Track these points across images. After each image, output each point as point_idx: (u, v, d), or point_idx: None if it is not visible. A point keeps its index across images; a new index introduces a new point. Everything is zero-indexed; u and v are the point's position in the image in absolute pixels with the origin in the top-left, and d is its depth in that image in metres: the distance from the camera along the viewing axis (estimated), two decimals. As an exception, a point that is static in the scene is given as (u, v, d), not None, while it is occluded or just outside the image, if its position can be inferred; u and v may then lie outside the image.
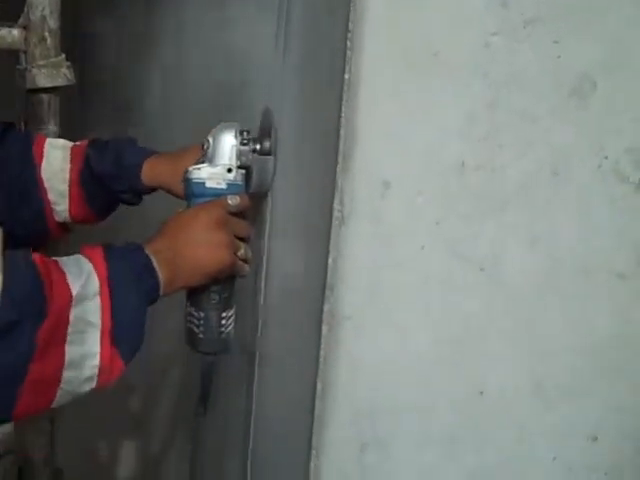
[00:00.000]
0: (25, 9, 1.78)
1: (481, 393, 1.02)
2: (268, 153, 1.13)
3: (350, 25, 0.92)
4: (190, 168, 1.09)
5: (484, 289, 0.99)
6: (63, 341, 0.90)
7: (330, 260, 0.97)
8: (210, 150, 1.10)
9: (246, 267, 1.10)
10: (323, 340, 0.98)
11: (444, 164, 0.96)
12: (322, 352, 0.99)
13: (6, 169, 1.19)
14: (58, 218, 1.24)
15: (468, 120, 0.96)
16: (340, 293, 0.97)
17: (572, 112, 0.97)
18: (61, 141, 1.26)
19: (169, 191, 1.19)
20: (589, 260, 1.01)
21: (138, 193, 1.23)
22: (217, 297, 1.09)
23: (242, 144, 1.10)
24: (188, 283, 1.04)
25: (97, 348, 0.92)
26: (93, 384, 0.93)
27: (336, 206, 0.95)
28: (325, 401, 0.99)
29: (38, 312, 0.88)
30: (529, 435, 1.04)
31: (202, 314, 1.10)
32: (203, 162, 1.10)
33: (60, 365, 0.90)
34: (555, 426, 1.04)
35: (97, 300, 0.93)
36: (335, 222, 0.95)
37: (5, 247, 0.89)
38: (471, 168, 0.96)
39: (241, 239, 1.07)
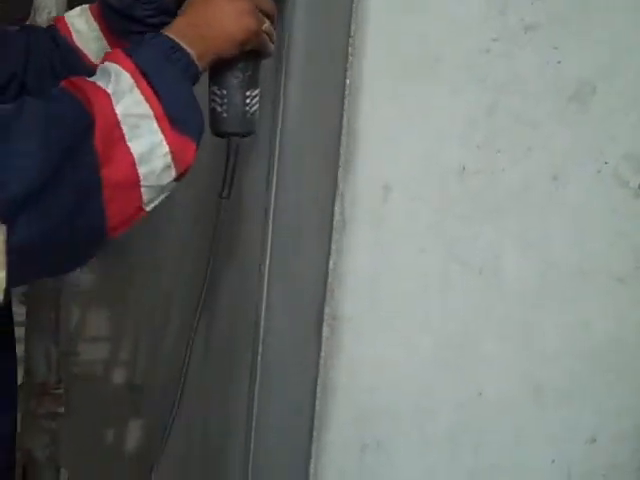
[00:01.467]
0: (32, 12, 1.80)
1: (480, 395, 1.02)
2: None
3: (352, 31, 0.93)
4: None
5: (483, 292, 1.00)
6: (122, 140, 0.90)
7: (331, 263, 0.97)
8: None
9: (270, 44, 1.08)
10: (324, 342, 0.99)
11: (444, 168, 0.97)
12: (323, 354, 0.99)
13: (51, 64, 1.19)
14: None
15: (468, 125, 0.96)
16: (341, 296, 0.98)
17: (572, 117, 0.98)
18: (77, 9, 1.26)
19: None
20: (587, 263, 1.01)
21: (166, 12, 1.18)
22: (241, 75, 1.08)
23: None
24: (219, 52, 1.03)
25: (160, 135, 0.93)
26: (172, 172, 0.94)
27: (337, 210, 0.96)
28: (326, 403, 0.99)
29: (86, 123, 0.88)
30: (528, 438, 1.05)
31: (225, 92, 1.08)
32: None
33: (130, 162, 0.91)
34: (554, 429, 1.05)
35: (136, 91, 0.93)
36: (336, 226, 0.95)
37: None
38: (471, 172, 0.97)
39: (265, 15, 1.06)
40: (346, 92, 0.94)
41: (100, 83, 0.92)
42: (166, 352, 2.23)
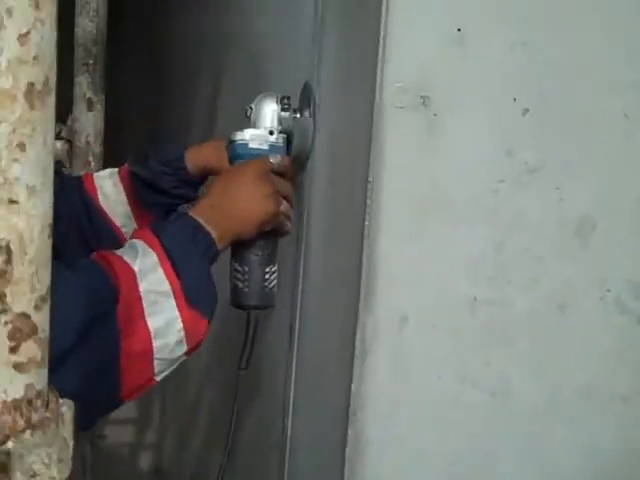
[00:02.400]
0: (68, 122, 1.91)
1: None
2: (308, 122, 1.18)
3: (370, 176, 1.02)
4: (234, 132, 1.16)
5: (495, 414, 1.06)
6: (142, 315, 0.96)
7: (353, 388, 1.05)
8: (253, 115, 1.17)
9: (288, 224, 1.16)
10: (347, 462, 1.06)
11: (457, 299, 1.05)
12: (346, 473, 1.06)
13: (74, 217, 1.26)
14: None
15: (478, 259, 1.04)
16: (363, 418, 1.05)
17: (575, 250, 1.06)
18: (106, 170, 1.35)
19: (216, 170, 1.23)
20: (592, 385, 1.08)
21: (189, 184, 1.27)
22: (261, 252, 1.15)
23: (283, 109, 1.17)
24: (239, 234, 1.10)
25: (176, 312, 0.98)
26: (184, 347, 1.00)
27: (358, 340, 1.03)
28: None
29: (110, 297, 0.95)
30: None
31: (246, 268, 1.15)
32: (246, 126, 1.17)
33: (147, 337, 0.96)
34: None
35: (159, 270, 0.99)
36: (357, 355, 1.03)
37: None
38: (482, 303, 1.05)
39: (283, 197, 1.13)
40: (365, 233, 1.02)
41: (127, 259, 0.99)
42: (192, 436, 2.28)
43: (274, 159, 1.14)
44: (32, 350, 0.53)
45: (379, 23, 0.97)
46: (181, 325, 0.99)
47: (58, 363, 0.85)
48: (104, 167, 1.66)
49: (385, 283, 1.03)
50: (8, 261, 0.51)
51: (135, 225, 1.30)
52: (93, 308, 0.93)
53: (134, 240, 1.03)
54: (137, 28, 2.78)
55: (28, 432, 0.53)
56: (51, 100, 0.52)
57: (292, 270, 1.27)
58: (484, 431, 1.07)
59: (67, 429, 0.57)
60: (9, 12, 0.49)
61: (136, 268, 0.98)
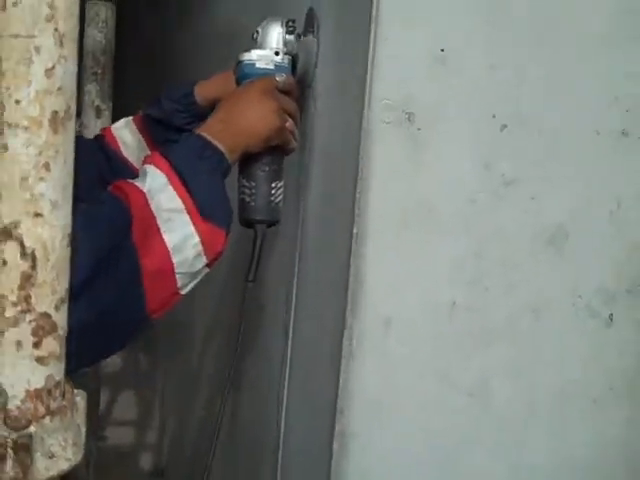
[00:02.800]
0: (77, 128, 1.98)
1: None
2: (312, 45, 1.24)
3: (358, 187, 1.08)
4: (242, 52, 1.23)
5: (473, 413, 1.13)
6: (157, 232, 1.01)
7: (341, 386, 1.12)
8: (259, 38, 1.23)
9: (293, 141, 1.21)
10: (334, 455, 1.13)
11: (438, 304, 1.12)
12: (333, 466, 1.13)
13: (101, 174, 1.31)
14: None
15: (458, 266, 1.11)
16: (349, 415, 1.12)
17: (549, 258, 1.13)
18: (122, 120, 1.41)
19: None
20: (566, 387, 1.15)
21: (202, 118, 1.27)
22: (267, 167, 1.20)
23: (288, 32, 1.23)
24: (248, 148, 1.15)
25: (191, 227, 1.03)
26: (203, 259, 1.05)
27: (345, 342, 1.10)
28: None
29: (126, 222, 0.99)
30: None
31: (253, 183, 1.21)
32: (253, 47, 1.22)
33: (165, 253, 1.01)
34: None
35: (169, 187, 1.03)
36: (345, 356, 1.10)
37: None
38: (461, 308, 1.12)
39: (288, 114, 1.19)
40: (353, 240, 1.09)
41: (138, 183, 1.04)
42: (191, 437, 2.34)
43: (280, 77, 1.19)
44: (52, 345, 0.60)
45: (368, 43, 1.04)
46: (198, 239, 1.04)
47: (81, 291, 0.91)
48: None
49: (371, 288, 1.10)
50: (33, 267, 0.58)
51: None
52: (110, 234, 0.98)
53: (144, 165, 1.08)
54: (142, 35, 2.85)
55: (48, 418, 0.60)
56: (71, 125, 0.59)
57: (288, 271, 1.34)
58: (462, 428, 1.14)
59: (80, 416, 0.64)
60: (37, 50, 0.56)
61: (145, 189, 1.03)
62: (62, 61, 0.57)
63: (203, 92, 1.32)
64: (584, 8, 1.07)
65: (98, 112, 1.83)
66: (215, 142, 1.10)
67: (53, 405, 0.61)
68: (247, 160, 1.19)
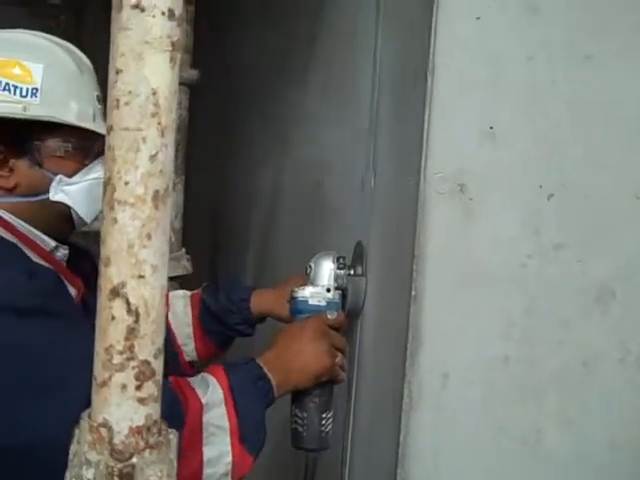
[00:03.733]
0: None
1: None
2: (360, 276, 1.36)
3: (415, 251, 1.18)
4: (296, 288, 1.35)
5: (526, 461, 1.20)
6: (200, 443, 1.12)
7: (401, 438, 1.20)
8: (312, 273, 1.35)
9: (342, 374, 1.32)
10: (397, 503, 1.21)
11: (492, 358, 1.19)
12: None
13: None
14: (187, 357, 1.51)
15: (510, 323, 1.19)
16: (409, 465, 1.20)
17: (597, 316, 1.20)
18: (181, 292, 1.55)
19: (275, 316, 1.44)
20: (616, 438, 1.21)
21: (250, 323, 1.48)
22: (318, 400, 1.31)
23: (339, 268, 1.35)
24: (297, 385, 1.27)
25: (228, 447, 1.14)
26: (228, 479, 1.15)
27: (406, 394, 1.18)
28: None
29: (179, 422, 1.10)
30: None
31: (305, 414, 1.31)
32: (306, 284, 1.34)
33: (200, 463, 1.12)
34: None
35: (223, 406, 1.15)
36: (405, 409, 1.18)
37: None
38: (514, 361, 1.19)
39: (338, 350, 1.30)
40: (411, 300, 1.18)
41: (199, 391, 1.16)
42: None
43: (331, 315, 1.32)
44: (151, 389, 0.71)
45: (423, 124, 1.14)
46: (230, 459, 1.14)
47: None
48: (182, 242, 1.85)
49: (429, 345, 1.18)
50: (137, 321, 0.69)
51: (193, 345, 1.51)
52: None
53: (207, 375, 1.20)
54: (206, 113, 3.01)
55: (147, 451, 0.71)
56: (169, 202, 0.71)
57: (350, 332, 1.43)
58: (516, 476, 1.20)
59: (172, 452, 0.74)
60: (143, 139, 0.67)
61: (204, 401, 1.15)
62: (163, 149, 0.68)
63: (257, 303, 1.48)
64: (618, 90, 1.16)
65: (173, 185, 1.97)
66: (269, 375, 1.22)
67: (151, 440, 0.71)
68: (299, 392, 1.31)
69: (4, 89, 1.22)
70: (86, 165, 1.28)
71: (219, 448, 1.14)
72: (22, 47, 1.26)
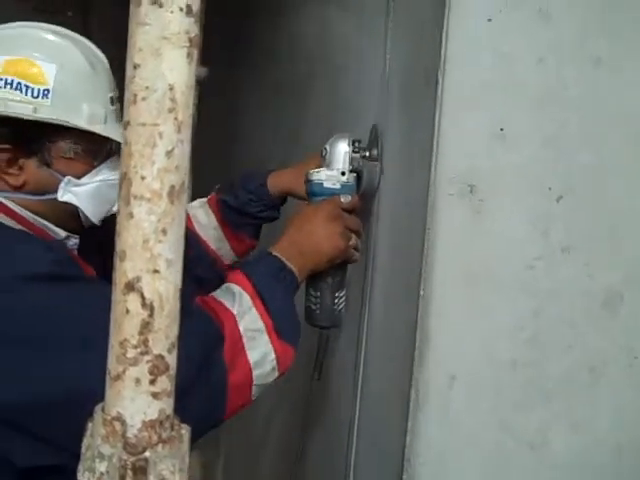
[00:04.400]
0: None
1: None
2: (375, 159, 1.36)
3: (425, 252, 1.18)
4: (311, 171, 1.35)
5: (533, 464, 1.20)
6: (243, 350, 1.17)
7: (408, 438, 1.20)
8: (327, 156, 1.36)
9: (356, 254, 1.35)
10: (402, 503, 1.21)
11: (499, 361, 1.20)
12: (401, 513, 1.21)
13: None
14: (226, 260, 1.55)
15: (518, 326, 1.19)
16: (415, 465, 1.20)
17: (604, 320, 1.20)
18: (196, 202, 1.56)
19: (294, 194, 1.46)
20: (622, 442, 1.21)
21: (272, 206, 1.50)
22: (331, 279, 1.35)
23: (354, 152, 1.35)
24: (315, 267, 1.30)
25: (270, 345, 1.19)
26: (276, 373, 1.21)
27: (412, 395, 1.19)
28: None
29: (217, 339, 1.15)
30: None
31: (318, 293, 1.35)
32: (321, 167, 1.35)
33: (248, 369, 1.17)
34: None
35: (253, 310, 1.20)
36: (412, 409, 1.18)
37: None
38: (521, 364, 1.20)
39: (352, 231, 1.32)
40: (420, 301, 1.18)
41: (227, 304, 1.20)
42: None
43: (345, 199, 1.33)
44: (165, 383, 0.71)
45: (433, 124, 1.15)
46: (274, 355, 1.20)
47: (182, 395, 1.04)
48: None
49: (436, 346, 1.18)
50: (151, 315, 0.69)
51: (228, 245, 1.54)
52: (205, 350, 1.13)
53: (230, 284, 1.23)
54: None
55: (160, 445, 0.71)
56: (184, 197, 0.71)
57: (356, 333, 1.43)
58: (523, 479, 1.20)
59: (185, 446, 0.74)
60: (160, 135, 0.68)
61: (235, 311, 1.19)
62: (179, 144, 0.69)
63: (275, 184, 1.49)
64: (628, 93, 1.17)
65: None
66: (289, 264, 1.26)
67: (164, 435, 0.71)
68: (313, 272, 1.33)
69: (16, 88, 1.21)
70: (95, 166, 1.28)
71: (261, 349, 1.19)
72: (35, 45, 1.25)
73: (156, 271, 0.69)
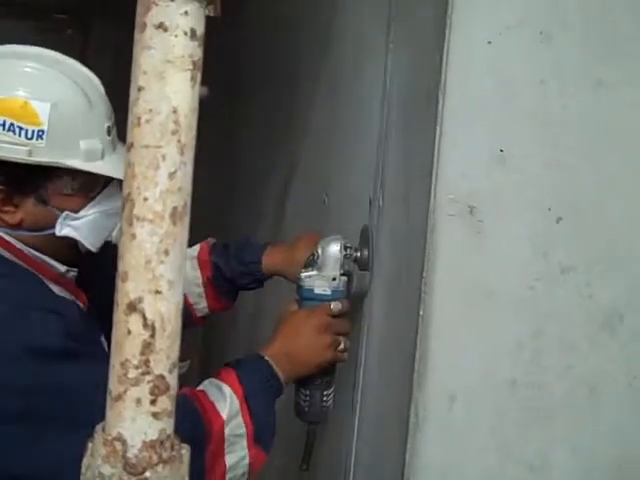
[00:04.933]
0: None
1: None
2: (366, 262, 1.38)
3: (424, 272, 1.18)
4: (302, 275, 1.38)
5: (534, 486, 1.20)
6: (223, 454, 1.20)
7: (407, 457, 1.20)
8: (319, 260, 1.38)
9: (345, 355, 1.38)
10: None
11: (499, 381, 1.20)
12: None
13: None
14: (199, 314, 1.58)
15: (517, 346, 1.20)
16: (415, 486, 1.20)
17: (604, 340, 1.21)
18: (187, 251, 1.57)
19: (285, 276, 1.51)
20: (623, 463, 1.21)
21: (261, 280, 1.55)
22: (320, 381, 1.39)
23: (345, 257, 1.37)
24: (300, 375, 1.36)
25: (245, 451, 1.23)
26: (245, 477, 1.24)
27: (412, 414, 1.19)
28: None
29: (202, 441, 1.17)
30: None
31: (308, 392, 1.39)
32: (312, 268, 1.37)
33: (223, 471, 1.21)
34: None
35: (239, 416, 1.23)
36: (411, 428, 1.18)
37: None
38: (521, 385, 1.20)
39: (342, 335, 1.36)
40: (419, 321, 1.18)
41: (218, 406, 1.23)
42: None
43: (335, 306, 1.36)
44: (165, 403, 0.71)
45: (433, 145, 1.15)
46: (247, 460, 1.24)
47: None
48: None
49: (436, 365, 1.18)
50: (152, 336, 0.70)
51: (205, 302, 1.57)
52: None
53: (222, 384, 1.26)
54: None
55: (160, 466, 0.71)
56: (187, 219, 0.71)
57: (355, 353, 1.43)
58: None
59: (185, 467, 0.75)
60: (163, 157, 0.68)
61: (224, 417, 1.22)
62: (182, 166, 0.69)
63: (268, 265, 1.53)
64: (628, 116, 1.17)
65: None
66: (278, 371, 1.31)
67: (165, 455, 0.71)
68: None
69: (9, 129, 1.17)
70: (92, 198, 1.27)
71: (238, 454, 1.23)
72: (25, 81, 1.20)
73: (158, 292, 0.69)
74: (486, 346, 1.19)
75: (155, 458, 0.71)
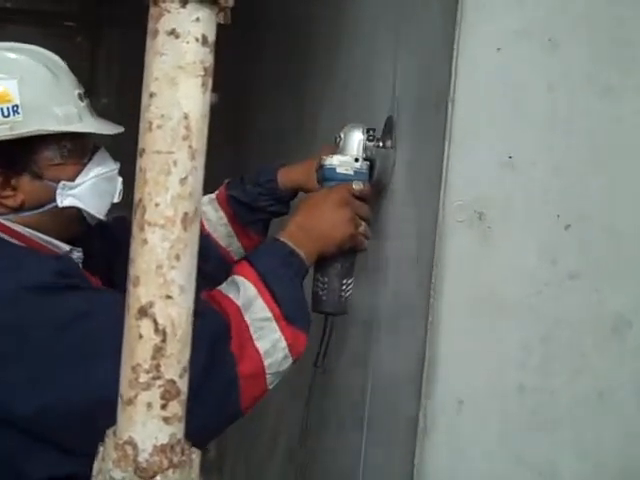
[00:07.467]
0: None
1: None
2: (389, 149, 1.36)
3: (433, 278, 1.19)
4: (324, 156, 1.35)
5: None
6: (250, 341, 1.17)
7: (416, 462, 1.20)
8: (341, 143, 1.35)
9: (365, 242, 1.33)
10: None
11: (507, 387, 1.20)
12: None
13: None
14: (235, 255, 1.53)
15: (526, 352, 1.20)
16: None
17: (613, 346, 1.21)
18: (205, 197, 1.53)
19: (304, 189, 1.44)
20: (631, 467, 1.21)
21: (282, 201, 1.48)
22: (339, 266, 1.33)
23: (368, 140, 1.35)
24: (322, 252, 1.29)
25: (279, 333, 1.19)
26: (289, 360, 1.20)
27: (421, 420, 1.19)
28: None
29: (223, 333, 1.15)
30: None
31: (326, 279, 1.33)
32: (335, 153, 1.34)
33: (258, 358, 1.17)
34: None
35: (259, 299, 1.19)
36: (419, 434, 1.18)
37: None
38: (529, 390, 1.20)
39: (362, 219, 1.31)
40: (428, 327, 1.19)
41: (232, 296, 1.19)
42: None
43: (356, 185, 1.32)
44: (176, 408, 0.72)
45: (442, 152, 1.16)
46: (284, 343, 1.19)
47: (192, 397, 1.05)
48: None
49: (444, 371, 1.19)
50: (164, 340, 0.70)
51: (237, 242, 1.53)
52: (213, 346, 1.13)
53: (234, 276, 1.23)
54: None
55: (170, 470, 0.71)
56: (197, 223, 0.72)
57: (364, 358, 1.44)
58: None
59: (195, 471, 0.75)
60: (174, 163, 0.69)
61: (239, 303, 1.19)
62: (193, 172, 0.70)
63: (285, 179, 1.47)
64: (636, 122, 1.17)
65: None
66: (297, 249, 1.25)
67: (175, 459, 0.72)
68: (322, 257, 1.32)
69: None
70: (85, 164, 1.29)
71: (271, 338, 1.18)
72: None
73: (169, 297, 0.70)
74: (494, 351, 1.20)
75: (166, 462, 0.71)
